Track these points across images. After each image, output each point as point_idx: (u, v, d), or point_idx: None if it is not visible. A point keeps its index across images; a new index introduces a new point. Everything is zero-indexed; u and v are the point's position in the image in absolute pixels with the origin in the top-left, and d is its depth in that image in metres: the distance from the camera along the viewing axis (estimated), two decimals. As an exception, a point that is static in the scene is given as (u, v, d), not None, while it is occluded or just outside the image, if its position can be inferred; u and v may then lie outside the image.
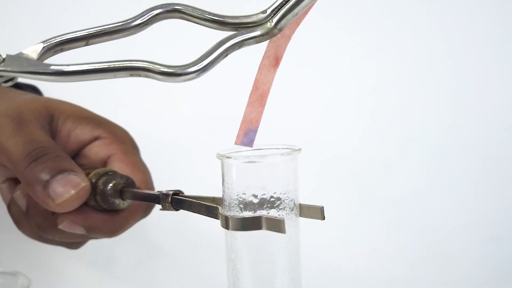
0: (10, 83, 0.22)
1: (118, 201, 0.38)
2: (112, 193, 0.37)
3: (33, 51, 0.22)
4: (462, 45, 0.78)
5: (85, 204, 0.38)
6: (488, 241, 0.74)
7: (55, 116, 0.41)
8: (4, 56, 0.21)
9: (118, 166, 0.41)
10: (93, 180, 0.38)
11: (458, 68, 0.78)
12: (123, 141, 0.43)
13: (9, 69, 0.21)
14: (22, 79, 0.35)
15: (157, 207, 0.41)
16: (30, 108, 0.39)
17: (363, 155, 0.76)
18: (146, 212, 0.41)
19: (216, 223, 0.68)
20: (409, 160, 0.75)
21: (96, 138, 0.42)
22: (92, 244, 0.77)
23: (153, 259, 0.76)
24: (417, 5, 0.78)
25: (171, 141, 0.66)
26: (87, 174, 0.38)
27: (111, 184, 0.37)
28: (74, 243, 0.44)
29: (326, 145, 0.73)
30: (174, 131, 0.68)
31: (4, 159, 0.38)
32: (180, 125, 0.68)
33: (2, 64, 0.21)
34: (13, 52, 0.22)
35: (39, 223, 0.40)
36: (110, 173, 0.38)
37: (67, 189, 0.36)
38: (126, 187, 0.38)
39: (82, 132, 0.42)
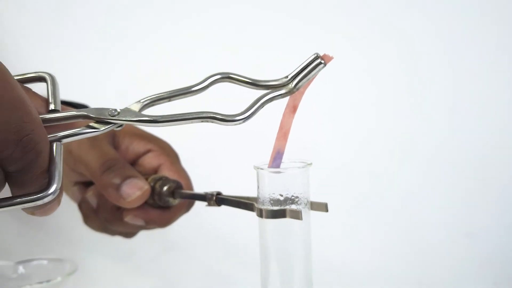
0: (119, 128, 0.32)
1: (171, 200, 0.46)
2: (167, 194, 0.46)
3: (135, 106, 0.32)
4: (460, 56, 0.80)
5: (144, 202, 0.47)
6: (463, 236, 0.78)
7: (116, 134, 0.50)
8: (119, 110, 0.32)
9: (167, 173, 0.49)
10: (151, 184, 0.46)
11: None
12: (169, 153, 0.51)
13: (123, 118, 0.32)
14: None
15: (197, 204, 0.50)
16: None
17: (357, 165, 0.81)
18: (188, 208, 0.50)
19: (226, 223, 0.74)
20: (395, 170, 0.81)
21: (148, 151, 0.50)
22: (115, 240, 0.80)
23: (170, 252, 0.81)
24: (418, 19, 0.80)
25: (204, 151, 0.74)
26: (146, 179, 0.47)
27: (166, 187, 0.46)
28: (130, 233, 0.52)
29: (325, 155, 0.77)
30: (207, 144, 0.75)
31: (82, 168, 0.47)
32: (211, 140, 0.74)
33: (117, 115, 0.32)
34: (121, 107, 0.33)
35: (107, 217, 0.48)
36: (163, 178, 0.47)
37: (134, 190, 0.45)
38: (176, 189, 0.46)
39: (138, 146, 0.50)
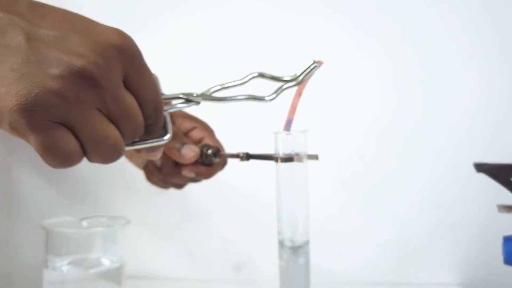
0: (199, 104, 0.53)
1: (214, 159, 0.65)
2: (212, 155, 0.64)
3: (206, 91, 0.54)
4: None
5: (196, 161, 0.65)
6: (434, 207, 0.87)
7: (172, 116, 0.67)
8: (199, 93, 0.53)
9: (209, 142, 0.66)
10: (200, 148, 0.65)
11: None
12: (208, 129, 0.68)
13: (201, 98, 0.53)
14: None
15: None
16: None
17: (346, 148, 0.88)
18: (223, 166, 0.67)
19: (243, 196, 0.89)
20: (379, 152, 0.88)
21: (194, 128, 0.67)
22: (144, 210, 0.91)
23: (191, 221, 0.90)
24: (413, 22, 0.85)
25: (232, 127, 0.85)
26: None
27: (211, 150, 0.64)
28: (181, 185, 0.69)
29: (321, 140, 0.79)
30: (235, 121, 0.89)
31: None
32: (239, 118, 0.88)
33: (198, 96, 0.53)
34: (199, 91, 0.54)
35: (169, 171, 0.65)
36: (208, 145, 0.66)
37: (190, 151, 0.63)
38: (217, 152, 0.65)
39: (187, 125, 0.67)
